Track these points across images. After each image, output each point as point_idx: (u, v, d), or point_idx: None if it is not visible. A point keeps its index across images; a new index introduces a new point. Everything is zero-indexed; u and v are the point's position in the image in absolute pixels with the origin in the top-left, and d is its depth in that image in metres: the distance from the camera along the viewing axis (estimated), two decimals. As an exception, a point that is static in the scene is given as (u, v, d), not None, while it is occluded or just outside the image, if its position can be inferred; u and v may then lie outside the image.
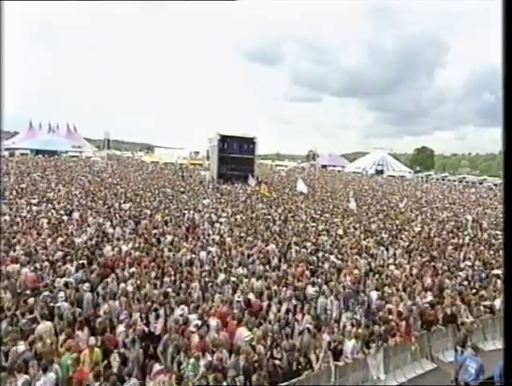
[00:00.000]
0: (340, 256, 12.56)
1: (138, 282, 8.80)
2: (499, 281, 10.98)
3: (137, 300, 7.82)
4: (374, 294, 9.13)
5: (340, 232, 16.66)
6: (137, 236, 13.25)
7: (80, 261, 9.79)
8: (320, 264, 11.67)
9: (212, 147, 39.23)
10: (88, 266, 9.70)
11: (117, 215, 16.28)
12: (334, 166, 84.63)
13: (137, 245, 11.87)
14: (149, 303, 7.63)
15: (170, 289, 8.52)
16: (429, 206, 29.40)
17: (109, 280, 8.73)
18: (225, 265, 10.72)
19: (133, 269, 9.60)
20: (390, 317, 7.94)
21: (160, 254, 11.26)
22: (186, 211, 18.82)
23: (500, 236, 18.30)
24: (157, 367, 5.58)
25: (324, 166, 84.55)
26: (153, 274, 9.48)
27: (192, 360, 5.68)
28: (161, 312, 7.40)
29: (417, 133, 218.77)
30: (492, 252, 14.83)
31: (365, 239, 15.66)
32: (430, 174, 76.36)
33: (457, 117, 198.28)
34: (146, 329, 6.74)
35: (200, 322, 6.84)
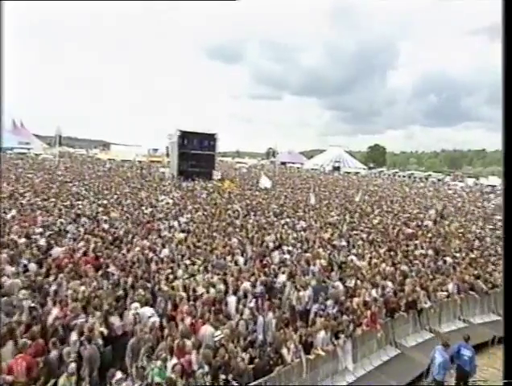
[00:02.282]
0: (304, 249, 12.58)
1: (94, 284, 8.05)
2: (451, 268, 11.84)
3: (92, 302, 7.10)
4: (340, 285, 9.18)
5: (303, 224, 16.80)
6: (92, 236, 12.23)
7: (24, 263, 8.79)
8: (286, 257, 11.57)
9: (172, 143, 37.91)
10: (39, 268, 8.84)
11: (70, 214, 15.01)
12: (293, 163, 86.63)
13: (92, 245, 10.94)
14: (106, 306, 6.96)
15: (129, 289, 7.92)
16: (383, 200, 30.86)
17: (60, 282, 7.89)
18: (188, 262, 10.22)
19: (86, 270, 8.79)
20: (357, 306, 8.02)
21: (117, 253, 10.47)
22: (145, 209, 17.91)
23: (447, 226, 19.65)
24: (119, 374, 5.02)
25: (283, 163, 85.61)
26: (109, 274, 8.74)
27: (158, 363, 5.20)
28: (124, 313, 6.82)
29: (370, 131, 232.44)
30: (441, 241, 15.78)
31: (326, 231, 15.91)
32: (382, 170, 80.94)
33: (406, 117, 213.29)
34: (106, 332, 6.12)
35: (157, 320, 6.37)
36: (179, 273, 9.32)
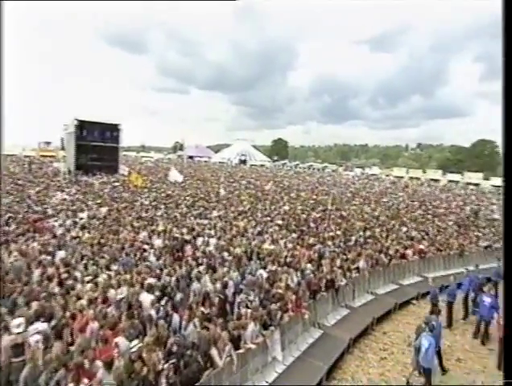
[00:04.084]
0: (221, 238, 11.91)
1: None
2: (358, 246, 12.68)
3: None
4: (264, 273, 8.77)
5: (215, 214, 16.16)
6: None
7: None
8: (204, 248, 10.69)
9: (69, 135, 32.42)
10: None
11: None
12: (201, 157, 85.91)
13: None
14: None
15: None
16: (290, 188, 32.33)
17: None
18: (91, 262, 8.56)
19: None
20: (281, 292, 7.69)
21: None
22: (35, 206, 14.91)
23: (353, 210, 21.44)
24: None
25: (190, 157, 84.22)
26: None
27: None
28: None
29: (274, 126, 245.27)
30: (346, 224, 17.03)
31: (241, 220, 15.56)
32: (285, 163, 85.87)
33: (304, 113, 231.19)
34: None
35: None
36: (78, 275, 7.72)
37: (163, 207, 17.65)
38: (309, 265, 9.78)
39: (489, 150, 70.20)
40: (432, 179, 58.51)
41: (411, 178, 61.22)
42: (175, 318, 6.17)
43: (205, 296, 7.26)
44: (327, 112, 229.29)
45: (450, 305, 9.45)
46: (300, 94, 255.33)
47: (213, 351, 5.20)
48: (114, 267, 8.59)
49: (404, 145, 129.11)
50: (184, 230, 12.80)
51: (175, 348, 5.25)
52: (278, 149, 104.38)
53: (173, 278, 8.00)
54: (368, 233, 15.05)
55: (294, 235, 13.75)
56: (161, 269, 8.65)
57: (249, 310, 6.63)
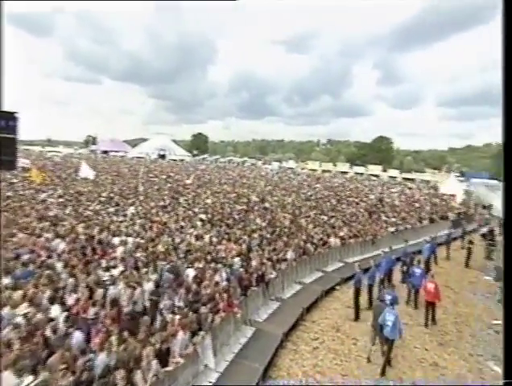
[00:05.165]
0: (141, 237, 10.63)
1: None
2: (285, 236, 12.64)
3: None
4: (190, 272, 7.91)
5: (133, 210, 14.58)
6: None
7: None
8: (121, 249, 9.32)
9: None
10: None
11: None
12: (116, 152, 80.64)
13: None
14: None
15: None
16: (212, 182, 31.48)
17: None
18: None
19: None
20: (211, 291, 6.98)
21: None
22: None
23: (276, 201, 21.63)
24: None
25: (105, 152, 78.84)
26: None
27: None
28: None
29: (194, 121, 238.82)
30: (270, 215, 17.02)
31: (162, 216, 14.30)
32: (205, 157, 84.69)
33: (224, 109, 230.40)
34: None
35: None
36: None
37: (71, 204, 15.34)
38: (237, 260, 9.25)
39: (386, 146, 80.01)
40: (342, 172, 63.92)
41: (324, 170, 65.88)
42: (78, 336, 4.95)
43: (119, 304, 6.14)
44: (245, 108, 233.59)
45: (370, 287, 9.95)
46: (220, 89, 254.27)
47: (137, 375, 4.23)
48: (6, 280, 6.80)
49: (316, 140, 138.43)
50: (97, 229, 11.13)
51: (84, 375, 4.16)
52: (198, 144, 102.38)
53: (82, 286, 6.63)
54: (291, 223, 15.24)
55: (219, 229, 13.11)
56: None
57: (176, 317, 5.76)
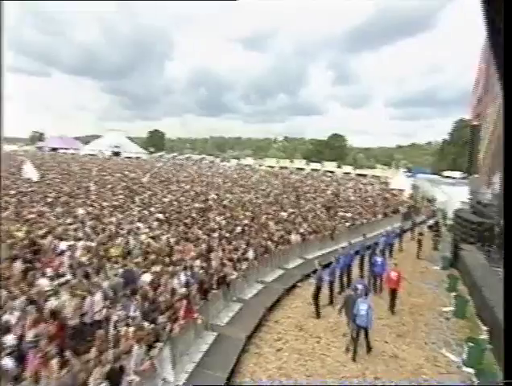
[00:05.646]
0: (91, 239, 9.77)
1: None
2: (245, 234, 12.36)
3: None
4: (146, 277, 7.32)
5: (83, 211, 13.48)
6: None
7: None
8: (68, 254, 8.44)
9: None
10: None
11: None
12: (66, 149, 76.58)
13: None
14: None
15: None
16: (169, 181, 30.34)
17: None
18: None
19: None
20: (169, 298, 6.50)
21: None
22: None
23: (235, 199, 21.26)
24: None
25: (54, 149, 74.57)
26: None
27: None
28: None
29: (149, 118, 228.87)
30: (230, 213, 16.66)
31: (115, 216, 13.36)
32: (162, 155, 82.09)
33: (182, 105, 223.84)
34: None
35: None
36: None
37: (12, 206, 13.75)
38: (198, 262, 8.81)
39: (340, 143, 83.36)
40: (298, 168, 65.26)
41: (281, 167, 66.78)
42: (8, 363, 4.28)
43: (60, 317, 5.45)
44: (203, 105, 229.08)
45: (331, 283, 10.03)
46: (177, 85, 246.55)
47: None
48: None
49: (273, 138, 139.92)
50: (41, 233, 10.03)
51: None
52: (155, 141, 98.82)
53: (20, 300, 5.80)
54: (251, 221, 15.02)
55: (177, 228, 12.53)
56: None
57: (130, 329, 5.23)
